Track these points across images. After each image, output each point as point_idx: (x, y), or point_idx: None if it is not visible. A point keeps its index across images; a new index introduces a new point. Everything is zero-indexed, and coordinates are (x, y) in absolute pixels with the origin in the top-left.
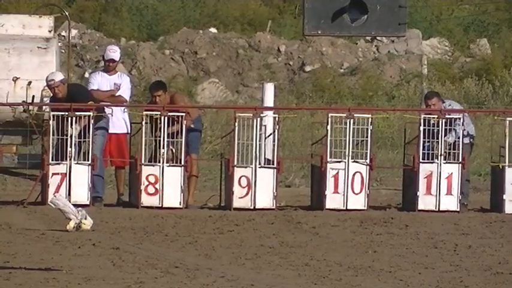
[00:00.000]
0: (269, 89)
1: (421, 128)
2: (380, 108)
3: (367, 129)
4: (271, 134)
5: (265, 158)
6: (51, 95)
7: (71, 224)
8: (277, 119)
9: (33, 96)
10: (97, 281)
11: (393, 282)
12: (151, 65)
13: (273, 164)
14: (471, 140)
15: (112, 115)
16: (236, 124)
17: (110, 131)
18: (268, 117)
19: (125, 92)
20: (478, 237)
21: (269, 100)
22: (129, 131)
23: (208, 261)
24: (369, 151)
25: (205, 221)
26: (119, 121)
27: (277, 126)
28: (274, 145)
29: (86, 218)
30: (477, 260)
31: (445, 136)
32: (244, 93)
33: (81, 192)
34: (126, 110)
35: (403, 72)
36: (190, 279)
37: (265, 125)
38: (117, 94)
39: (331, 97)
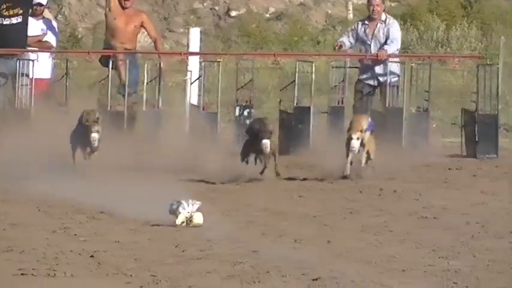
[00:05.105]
0: (195, 34)
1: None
2: (305, 53)
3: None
4: (196, 79)
5: (190, 104)
6: None
7: None
8: (203, 64)
9: None
10: (23, 226)
11: (318, 227)
12: (77, 10)
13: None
14: (397, 84)
15: (37, 60)
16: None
17: (35, 77)
18: (194, 63)
19: (52, 38)
20: (402, 181)
21: (195, 45)
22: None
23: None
24: (295, 97)
25: None
26: (44, 66)
27: (203, 72)
28: (200, 90)
29: None
30: (402, 204)
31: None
32: (170, 38)
33: None
34: (52, 55)
35: (328, 17)
36: (116, 224)
37: (190, 71)
38: (43, 40)
39: (256, 42)
